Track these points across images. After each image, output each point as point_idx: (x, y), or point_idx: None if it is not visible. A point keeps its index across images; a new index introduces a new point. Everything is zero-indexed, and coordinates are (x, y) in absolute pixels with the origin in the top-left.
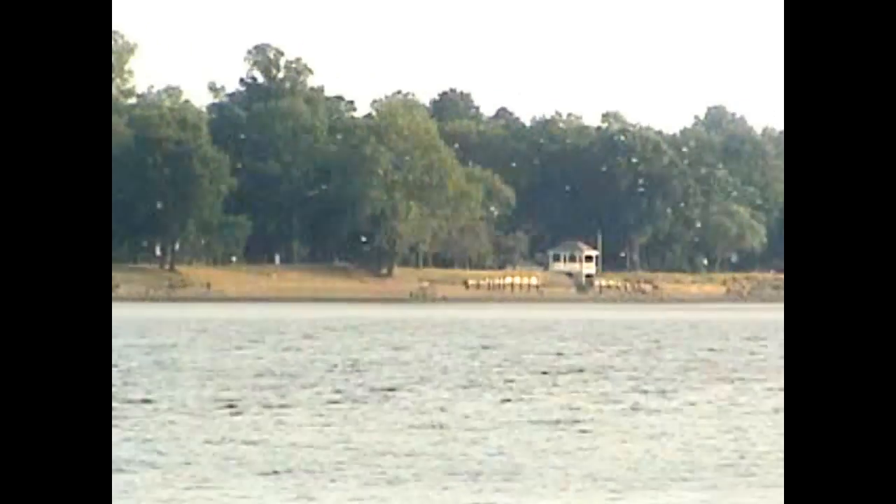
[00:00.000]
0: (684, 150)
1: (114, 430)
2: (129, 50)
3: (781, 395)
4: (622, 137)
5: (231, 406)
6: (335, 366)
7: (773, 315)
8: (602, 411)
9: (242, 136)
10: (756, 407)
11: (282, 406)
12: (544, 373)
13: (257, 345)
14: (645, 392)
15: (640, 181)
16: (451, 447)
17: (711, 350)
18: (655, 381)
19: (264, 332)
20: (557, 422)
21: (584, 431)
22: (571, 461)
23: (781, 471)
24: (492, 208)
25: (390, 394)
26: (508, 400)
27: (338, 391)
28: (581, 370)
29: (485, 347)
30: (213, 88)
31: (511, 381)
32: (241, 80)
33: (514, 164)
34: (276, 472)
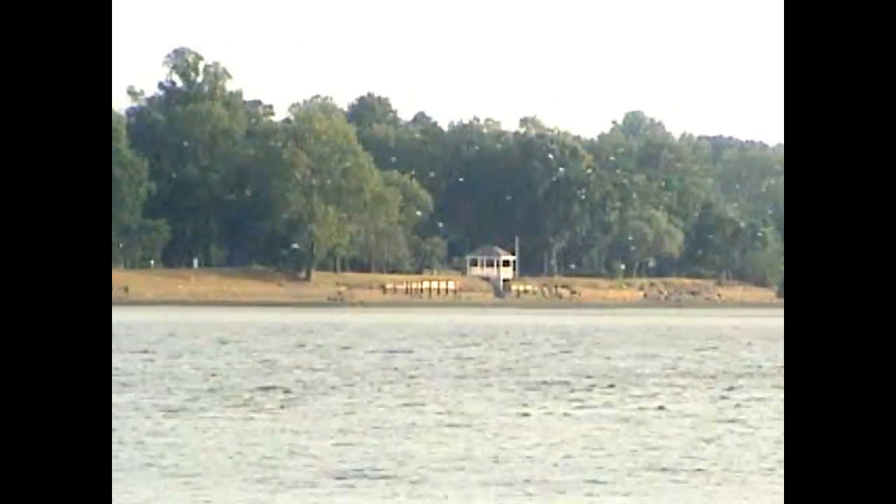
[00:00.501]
0: (602, 155)
1: None
2: None
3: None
4: (540, 142)
5: (138, 409)
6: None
7: (687, 320)
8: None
9: (161, 140)
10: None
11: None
12: (460, 377)
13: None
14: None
15: (558, 186)
16: (353, 451)
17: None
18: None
19: (176, 335)
20: (457, 425)
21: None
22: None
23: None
24: (410, 213)
25: (297, 397)
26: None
27: (234, 396)
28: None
29: (392, 352)
30: (131, 92)
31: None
32: (160, 85)
33: (432, 169)
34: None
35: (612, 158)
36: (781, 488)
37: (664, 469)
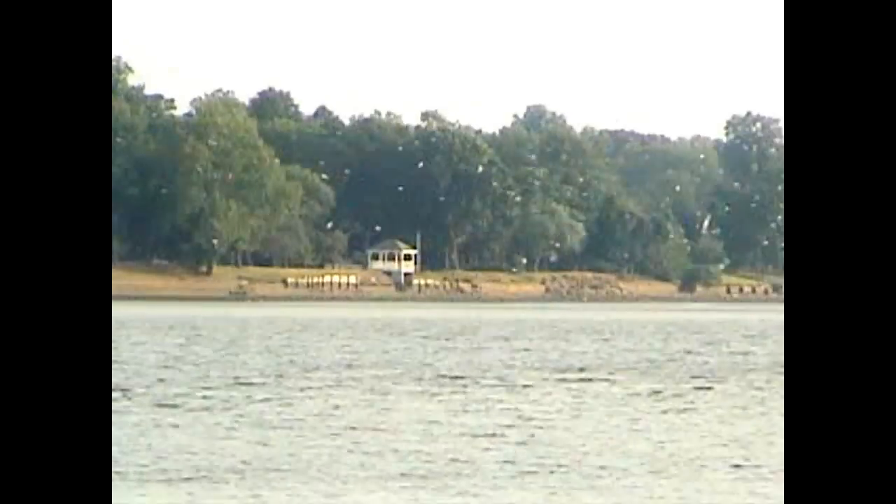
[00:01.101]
0: (504, 149)
1: None
2: None
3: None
4: (441, 137)
5: None
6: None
7: (587, 315)
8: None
9: None
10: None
11: None
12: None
13: None
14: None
15: (460, 180)
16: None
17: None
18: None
19: None
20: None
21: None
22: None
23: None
24: (311, 207)
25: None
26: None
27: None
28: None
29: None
30: None
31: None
32: None
33: (333, 163)
34: None
35: (513, 152)
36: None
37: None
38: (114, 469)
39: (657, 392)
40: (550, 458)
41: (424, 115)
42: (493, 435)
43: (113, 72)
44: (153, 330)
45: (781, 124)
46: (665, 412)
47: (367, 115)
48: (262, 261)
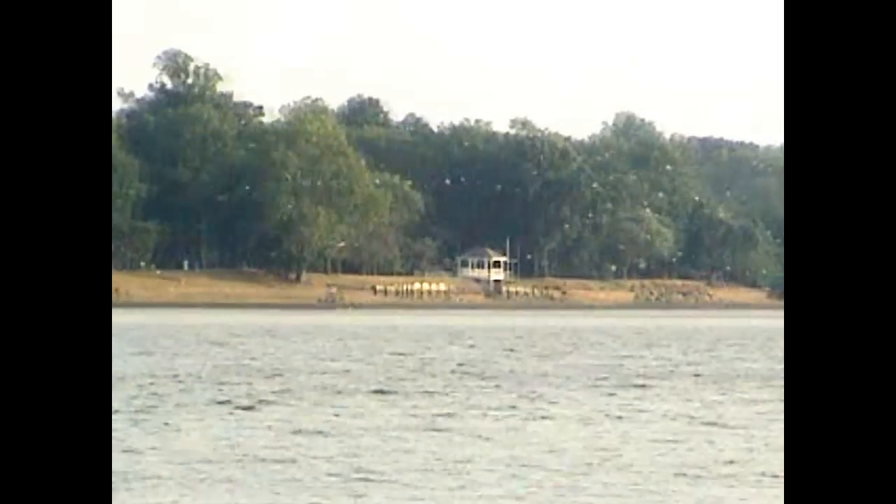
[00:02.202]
0: (593, 156)
1: None
2: None
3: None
4: (531, 144)
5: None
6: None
7: (678, 322)
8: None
9: (152, 142)
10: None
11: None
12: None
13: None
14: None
15: (550, 187)
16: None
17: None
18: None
19: (167, 337)
20: (435, 429)
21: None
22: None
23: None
24: (401, 214)
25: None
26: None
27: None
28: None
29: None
30: (122, 94)
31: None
32: (151, 86)
33: (423, 171)
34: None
35: (603, 159)
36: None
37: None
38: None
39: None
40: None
41: (514, 122)
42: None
43: (202, 79)
44: (284, 335)
45: None
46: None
47: (456, 121)
48: (351, 268)
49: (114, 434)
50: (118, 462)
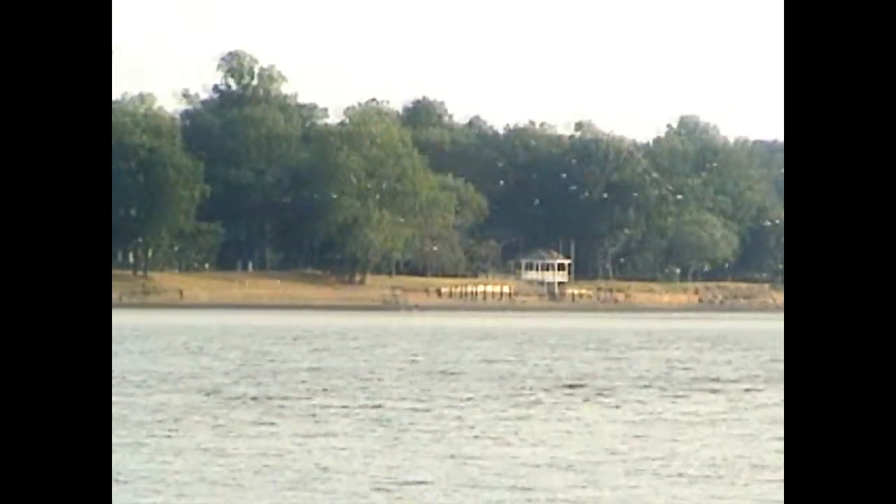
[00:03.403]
0: (657, 159)
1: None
2: None
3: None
4: (594, 146)
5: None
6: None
7: (742, 325)
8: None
9: (215, 144)
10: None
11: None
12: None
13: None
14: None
15: (613, 190)
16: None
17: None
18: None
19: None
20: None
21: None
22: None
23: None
24: (464, 217)
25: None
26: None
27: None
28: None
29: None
30: (186, 95)
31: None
32: (214, 88)
33: (486, 173)
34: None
35: (666, 162)
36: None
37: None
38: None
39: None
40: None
41: (578, 125)
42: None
43: (265, 80)
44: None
45: None
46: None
47: (520, 124)
48: (414, 270)
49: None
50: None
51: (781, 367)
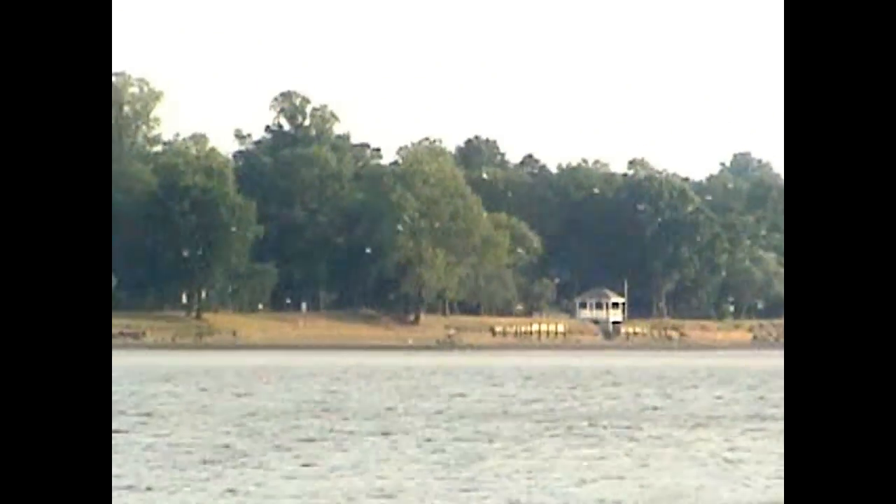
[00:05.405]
0: (710, 196)
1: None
2: (155, 97)
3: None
4: (649, 184)
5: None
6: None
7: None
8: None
9: (268, 184)
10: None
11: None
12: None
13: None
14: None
15: (667, 228)
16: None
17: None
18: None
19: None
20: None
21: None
22: None
23: None
24: (519, 255)
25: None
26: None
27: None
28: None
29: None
30: (239, 135)
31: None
32: (267, 128)
33: (540, 211)
34: None
35: (720, 199)
36: None
37: None
38: None
39: None
40: None
41: (632, 163)
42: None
43: (318, 120)
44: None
45: None
46: None
47: (574, 162)
48: (469, 309)
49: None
50: None
51: None
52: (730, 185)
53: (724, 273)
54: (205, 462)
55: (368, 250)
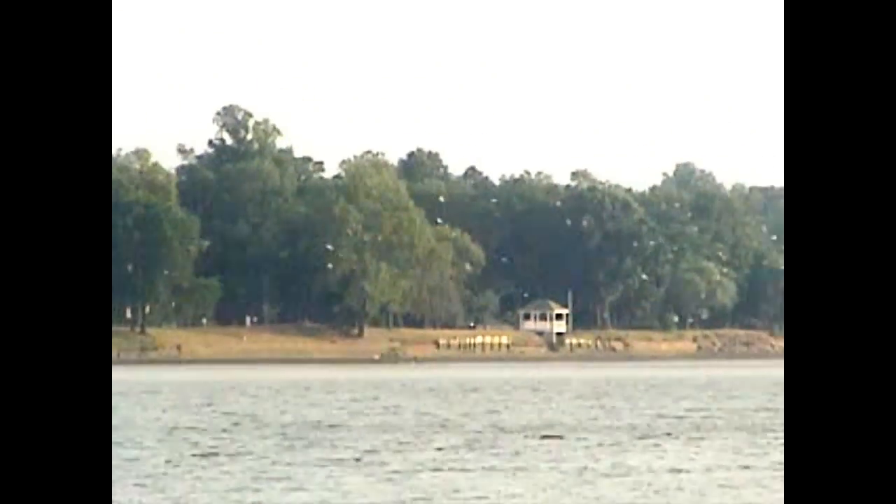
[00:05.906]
0: (653, 207)
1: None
2: None
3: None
4: (591, 196)
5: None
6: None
7: (740, 372)
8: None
9: (212, 198)
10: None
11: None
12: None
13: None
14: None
15: (610, 239)
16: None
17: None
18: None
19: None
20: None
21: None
22: None
23: None
24: (462, 268)
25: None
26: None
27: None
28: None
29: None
30: (181, 150)
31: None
32: (210, 142)
33: (483, 224)
34: None
35: (663, 210)
36: None
37: None
38: None
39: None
40: None
41: (574, 174)
42: None
43: (261, 134)
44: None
45: None
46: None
47: (516, 174)
48: (413, 322)
49: None
50: None
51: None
52: (672, 196)
53: (667, 284)
54: None
55: (311, 264)
